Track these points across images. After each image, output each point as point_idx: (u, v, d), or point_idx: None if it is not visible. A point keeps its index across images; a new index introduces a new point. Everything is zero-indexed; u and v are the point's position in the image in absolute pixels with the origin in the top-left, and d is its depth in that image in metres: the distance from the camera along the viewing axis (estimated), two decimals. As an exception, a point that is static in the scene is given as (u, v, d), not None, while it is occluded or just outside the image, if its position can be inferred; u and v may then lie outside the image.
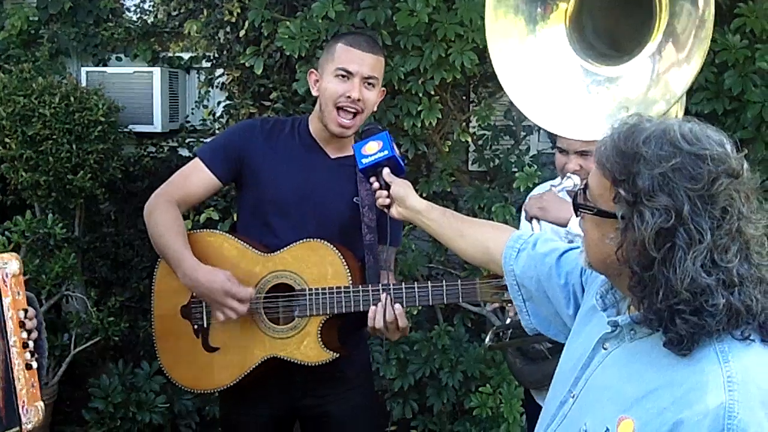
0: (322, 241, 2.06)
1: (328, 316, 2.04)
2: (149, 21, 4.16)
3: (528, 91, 1.87)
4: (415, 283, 2.03)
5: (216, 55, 3.99)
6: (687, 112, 1.86)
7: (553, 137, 2.28)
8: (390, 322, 1.98)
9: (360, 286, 2.03)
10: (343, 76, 2.07)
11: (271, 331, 2.08)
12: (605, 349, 1.25)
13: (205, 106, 4.12)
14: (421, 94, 3.37)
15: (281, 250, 2.08)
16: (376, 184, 1.86)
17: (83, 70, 4.06)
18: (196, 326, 2.14)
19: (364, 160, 1.87)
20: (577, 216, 1.26)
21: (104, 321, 3.58)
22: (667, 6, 1.73)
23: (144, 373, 3.67)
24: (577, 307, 1.43)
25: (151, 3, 4.17)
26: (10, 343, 1.67)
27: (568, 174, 2.10)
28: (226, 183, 2.21)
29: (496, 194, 3.55)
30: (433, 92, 3.39)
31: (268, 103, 3.65)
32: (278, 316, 2.10)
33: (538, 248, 1.54)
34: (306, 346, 2.05)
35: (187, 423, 3.73)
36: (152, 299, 2.19)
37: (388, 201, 1.84)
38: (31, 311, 1.75)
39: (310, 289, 2.04)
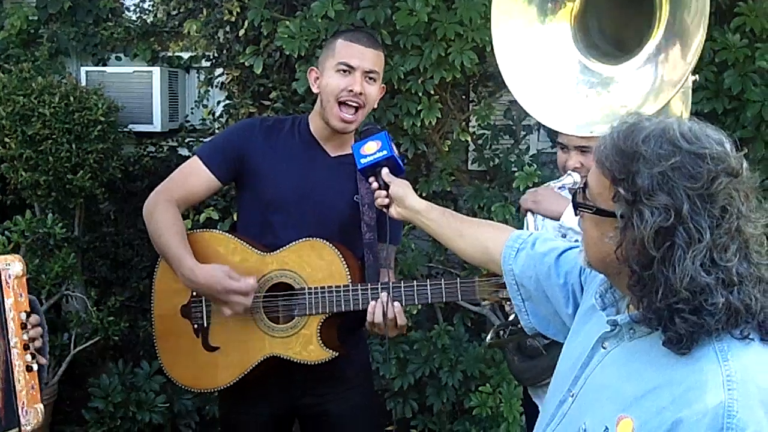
0: (322, 240, 2.06)
1: (327, 315, 2.04)
2: (149, 20, 4.16)
3: (524, 78, 1.89)
4: (414, 281, 2.03)
5: (215, 55, 4.00)
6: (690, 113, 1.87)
7: (554, 134, 2.29)
8: (389, 319, 1.98)
9: (359, 285, 2.03)
10: (344, 71, 2.07)
11: (271, 330, 2.08)
12: (604, 348, 1.25)
13: (205, 106, 4.12)
14: (420, 94, 3.37)
15: (280, 249, 2.08)
16: (375, 184, 1.86)
17: (83, 69, 4.06)
18: (196, 326, 2.14)
19: (363, 160, 1.87)
20: (576, 215, 1.26)
21: (104, 321, 3.58)
22: (667, 4, 1.74)
23: (144, 373, 3.67)
24: (576, 307, 1.43)
25: (151, 2, 4.17)
26: (11, 344, 1.67)
27: (569, 172, 2.11)
28: (225, 183, 2.20)
29: (495, 194, 3.55)
30: (432, 92, 3.39)
31: (267, 103, 3.66)
32: (278, 315, 2.10)
33: (537, 248, 1.54)
34: (305, 345, 2.05)
35: (186, 422, 3.73)
36: (152, 299, 2.19)
37: (387, 201, 1.84)
38: (35, 318, 1.74)
39: (310, 288, 2.05)
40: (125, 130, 3.96)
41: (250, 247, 2.11)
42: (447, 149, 3.72)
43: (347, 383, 2.22)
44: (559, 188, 2.14)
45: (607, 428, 1.15)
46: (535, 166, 3.34)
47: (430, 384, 3.54)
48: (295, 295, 2.06)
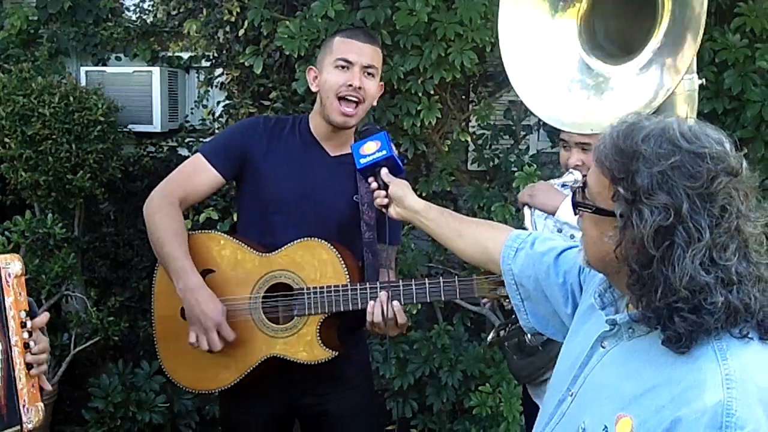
0: (320, 240, 2.06)
1: (326, 315, 2.04)
2: (149, 20, 4.16)
3: (527, 71, 1.90)
4: (413, 280, 2.03)
5: (215, 55, 4.00)
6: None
7: (555, 133, 2.29)
8: (389, 319, 1.98)
9: (358, 285, 2.03)
10: (343, 66, 2.07)
11: (271, 331, 2.08)
12: (603, 347, 1.25)
13: (205, 106, 4.12)
14: (420, 94, 3.37)
15: (279, 249, 2.08)
16: (374, 184, 1.87)
17: (83, 69, 4.06)
18: (195, 326, 2.14)
19: (362, 160, 1.87)
20: (575, 214, 1.26)
21: (104, 321, 3.58)
22: (669, 6, 1.74)
23: (144, 373, 3.67)
24: (576, 306, 1.43)
25: (151, 2, 4.17)
26: (12, 342, 1.67)
27: (570, 170, 2.12)
28: (228, 180, 2.20)
29: (495, 194, 3.55)
30: (432, 92, 3.39)
31: (267, 103, 3.66)
32: (277, 316, 2.10)
33: (537, 247, 1.54)
34: (305, 345, 2.05)
35: (186, 422, 3.73)
36: (152, 301, 2.19)
37: (386, 201, 1.84)
38: (43, 345, 1.74)
39: (309, 288, 2.05)
40: (125, 130, 3.96)
41: (249, 247, 2.11)
42: (447, 149, 3.72)
43: (347, 383, 2.22)
44: (561, 186, 2.15)
45: (606, 427, 1.15)
46: (535, 166, 3.34)
47: (430, 384, 3.54)
48: (295, 295, 2.06)
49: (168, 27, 4.15)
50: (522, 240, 1.58)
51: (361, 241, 2.14)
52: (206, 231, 2.23)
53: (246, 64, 3.61)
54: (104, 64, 4.16)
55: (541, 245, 1.54)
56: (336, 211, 2.14)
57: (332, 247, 2.06)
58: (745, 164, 1.13)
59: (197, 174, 2.13)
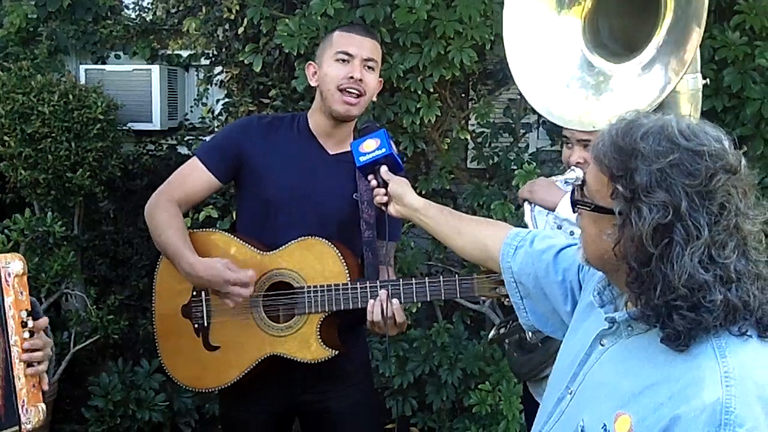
0: (320, 238, 2.06)
1: (326, 314, 2.05)
2: (148, 18, 4.16)
3: (529, 66, 1.91)
4: (413, 279, 2.03)
5: (215, 53, 4.00)
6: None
7: (556, 131, 2.29)
8: (388, 317, 1.98)
9: (358, 283, 2.03)
10: (343, 59, 2.07)
11: (271, 329, 2.08)
12: (602, 345, 1.25)
13: (204, 104, 4.12)
14: (420, 92, 3.37)
15: (279, 248, 2.08)
16: (373, 182, 1.87)
17: (82, 67, 4.06)
18: (196, 325, 2.14)
19: (362, 158, 1.88)
20: (574, 212, 1.26)
21: (104, 319, 3.58)
22: (671, 6, 1.75)
23: (143, 371, 3.67)
24: (575, 304, 1.43)
25: (150, 0, 4.17)
26: (11, 342, 1.67)
27: (572, 167, 2.12)
28: (225, 182, 2.21)
29: (495, 192, 3.55)
30: (432, 90, 3.39)
31: (267, 101, 3.66)
32: (278, 314, 2.10)
33: (536, 245, 1.54)
34: (305, 344, 2.05)
35: (186, 421, 3.74)
36: (153, 299, 2.19)
37: (385, 199, 1.84)
38: (46, 351, 1.74)
39: (309, 287, 2.05)
40: (124, 128, 3.96)
41: (250, 246, 2.11)
42: (446, 147, 3.72)
43: (347, 381, 2.22)
44: (564, 183, 2.15)
45: (605, 425, 1.16)
46: (535, 164, 3.34)
47: (430, 382, 3.54)
48: (295, 293, 2.06)
49: (167, 25, 4.15)
50: (521, 238, 1.58)
51: (361, 240, 2.14)
52: (207, 229, 2.24)
53: (245, 62, 3.61)
54: (104, 62, 4.16)
55: (540, 243, 1.54)
56: (336, 209, 2.14)
57: (332, 245, 2.06)
58: (743, 162, 1.13)
59: (192, 177, 2.14)
